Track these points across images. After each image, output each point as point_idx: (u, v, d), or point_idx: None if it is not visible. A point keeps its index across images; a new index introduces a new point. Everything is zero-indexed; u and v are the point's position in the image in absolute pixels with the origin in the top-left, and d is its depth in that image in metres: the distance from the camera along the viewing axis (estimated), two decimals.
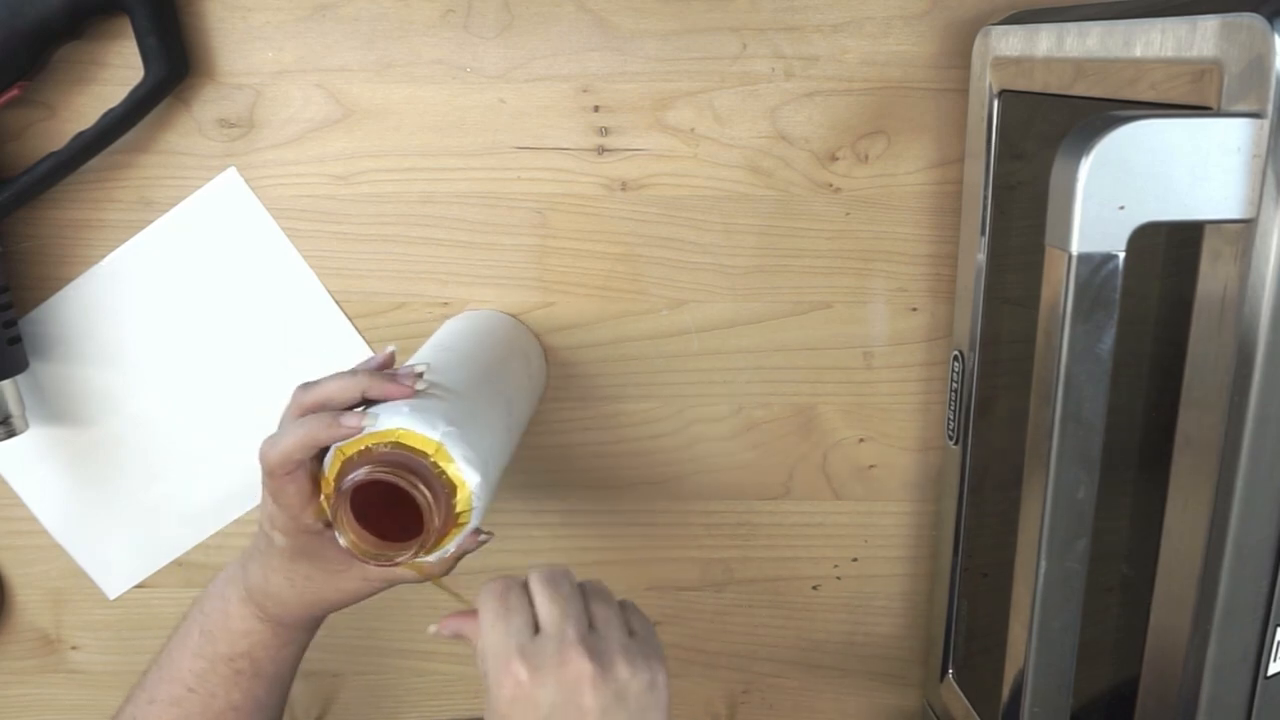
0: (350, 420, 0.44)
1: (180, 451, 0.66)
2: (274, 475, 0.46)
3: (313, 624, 0.54)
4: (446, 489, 0.45)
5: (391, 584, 0.51)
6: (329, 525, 0.46)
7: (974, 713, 0.61)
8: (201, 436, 0.66)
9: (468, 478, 0.45)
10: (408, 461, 0.44)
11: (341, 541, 0.45)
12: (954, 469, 0.61)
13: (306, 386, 0.47)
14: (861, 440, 0.65)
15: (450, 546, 0.46)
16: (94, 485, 0.67)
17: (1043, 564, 0.39)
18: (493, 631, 0.43)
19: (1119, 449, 0.40)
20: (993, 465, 0.59)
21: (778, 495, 0.67)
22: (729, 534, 0.68)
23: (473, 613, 0.46)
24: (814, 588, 0.69)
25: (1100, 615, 0.45)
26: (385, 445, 0.44)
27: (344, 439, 0.44)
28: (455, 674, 0.71)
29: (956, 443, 0.61)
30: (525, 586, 0.45)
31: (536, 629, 0.43)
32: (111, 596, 0.69)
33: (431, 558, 0.46)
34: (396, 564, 0.45)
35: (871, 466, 0.66)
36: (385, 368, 0.49)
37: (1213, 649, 0.39)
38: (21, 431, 0.62)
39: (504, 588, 0.45)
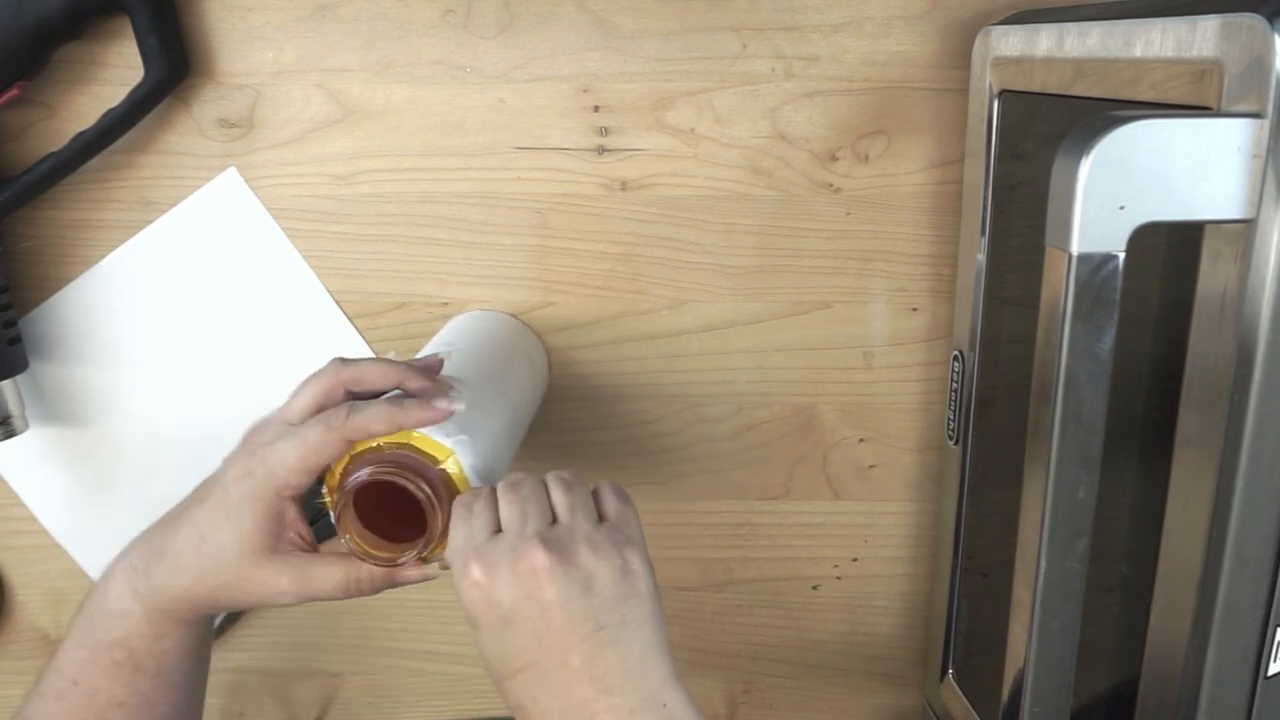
0: (442, 402, 0.45)
1: (180, 451, 0.66)
2: (329, 435, 0.44)
3: (193, 616, 0.48)
4: (451, 494, 0.45)
5: (300, 598, 0.47)
6: (296, 500, 0.46)
7: (974, 713, 0.61)
8: (201, 436, 0.65)
9: (474, 484, 0.45)
10: (414, 464, 0.44)
11: (344, 540, 0.45)
12: (954, 469, 0.61)
13: (345, 361, 0.47)
14: (861, 440, 0.65)
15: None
16: (94, 485, 0.66)
17: (1043, 564, 0.39)
18: (455, 538, 0.43)
19: (1119, 449, 0.40)
20: (993, 465, 0.59)
21: (778, 495, 0.67)
22: (729, 534, 0.68)
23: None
24: (814, 588, 0.69)
25: (1100, 615, 0.45)
26: (395, 446, 0.45)
27: (431, 423, 0.44)
28: (455, 674, 0.71)
29: (956, 443, 0.61)
30: (492, 493, 0.44)
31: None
32: None
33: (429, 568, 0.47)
34: (396, 565, 0.45)
35: (871, 466, 0.66)
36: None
37: (1213, 649, 0.39)
38: (21, 431, 0.62)
39: (471, 496, 0.44)
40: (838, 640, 0.70)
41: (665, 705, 0.41)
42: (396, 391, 0.47)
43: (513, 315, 0.63)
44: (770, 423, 0.65)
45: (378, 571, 0.46)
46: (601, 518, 0.44)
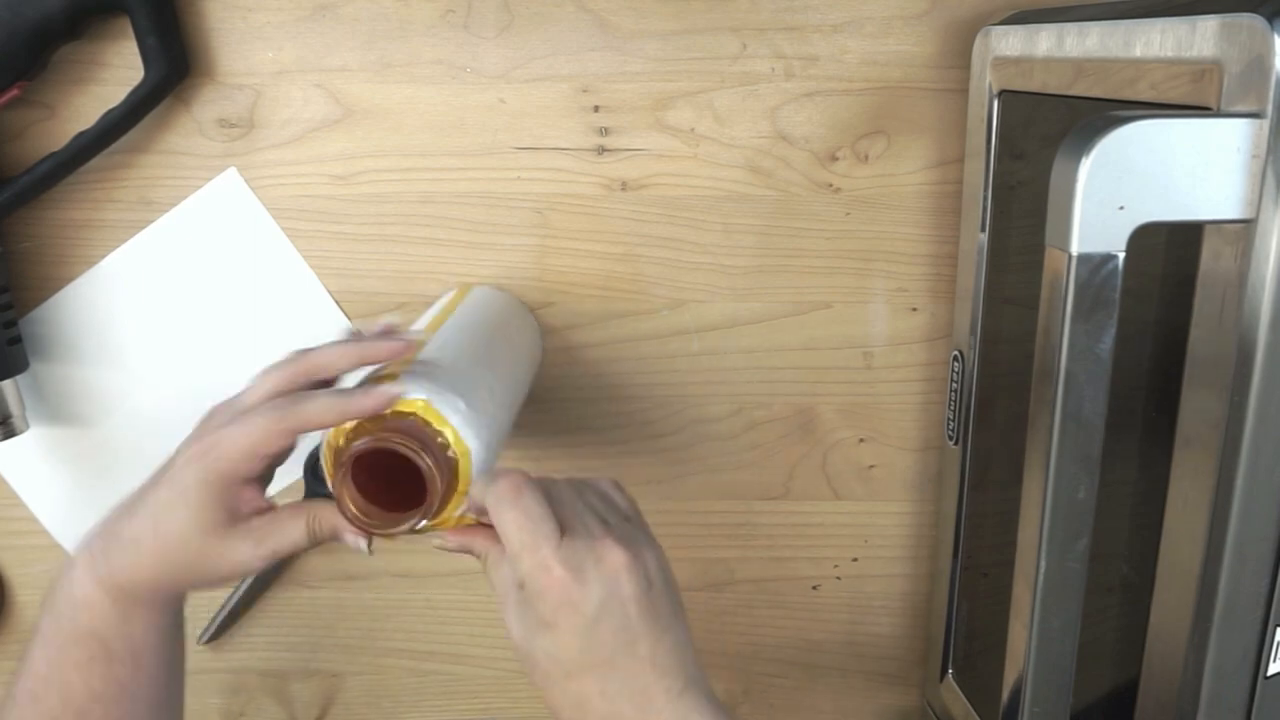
0: (393, 387, 0.44)
1: None
2: (274, 426, 0.44)
3: (157, 599, 0.47)
4: (450, 460, 0.45)
5: (268, 559, 0.47)
6: (252, 481, 0.46)
7: (974, 713, 0.61)
8: None
9: (472, 448, 0.45)
10: (415, 431, 0.44)
11: (343, 512, 0.45)
12: (954, 469, 0.61)
13: (303, 351, 0.46)
14: (861, 440, 0.65)
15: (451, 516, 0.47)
16: (94, 485, 0.66)
17: (1043, 564, 0.39)
18: (522, 544, 0.42)
19: (1119, 449, 0.40)
20: (992, 465, 0.59)
21: (778, 495, 0.67)
22: (729, 534, 0.68)
23: (478, 527, 0.46)
24: (814, 588, 0.69)
25: (1100, 615, 0.45)
26: (397, 416, 0.44)
27: (377, 410, 0.44)
28: (455, 674, 0.71)
29: (956, 443, 0.61)
30: (535, 487, 0.44)
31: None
32: None
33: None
34: (396, 534, 0.45)
35: (871, 466, 0.66)
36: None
37: (1212, 649, 0.39)
38: (21, 431, 0.62)
39: (514, 490, 0.43)
40: (838, 640, 0.70)
41: (698, 681, 0.44)
42: (358, 374, 0.47)
43: (501, 288, 0.62)
44: (770, 423, 0.65)
45: (328, 522, 0.46)
46: (625, 515, 0.47)
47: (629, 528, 0.45)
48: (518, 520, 0.43)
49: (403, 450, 0.43)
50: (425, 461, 0.43)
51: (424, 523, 0.45)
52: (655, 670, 0.43)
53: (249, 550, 0.46)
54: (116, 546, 0.46)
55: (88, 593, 0.46)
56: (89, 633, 0.46)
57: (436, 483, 0.44)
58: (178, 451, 0.46)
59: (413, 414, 0.45)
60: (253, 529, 0.46)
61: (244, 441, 0.44)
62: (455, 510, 0.46)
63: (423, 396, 0.45)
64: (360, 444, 0.43)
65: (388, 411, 0.44)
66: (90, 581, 0.46)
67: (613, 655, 0.42)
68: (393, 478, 0.45)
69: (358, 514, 0.45)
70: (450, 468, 0.45)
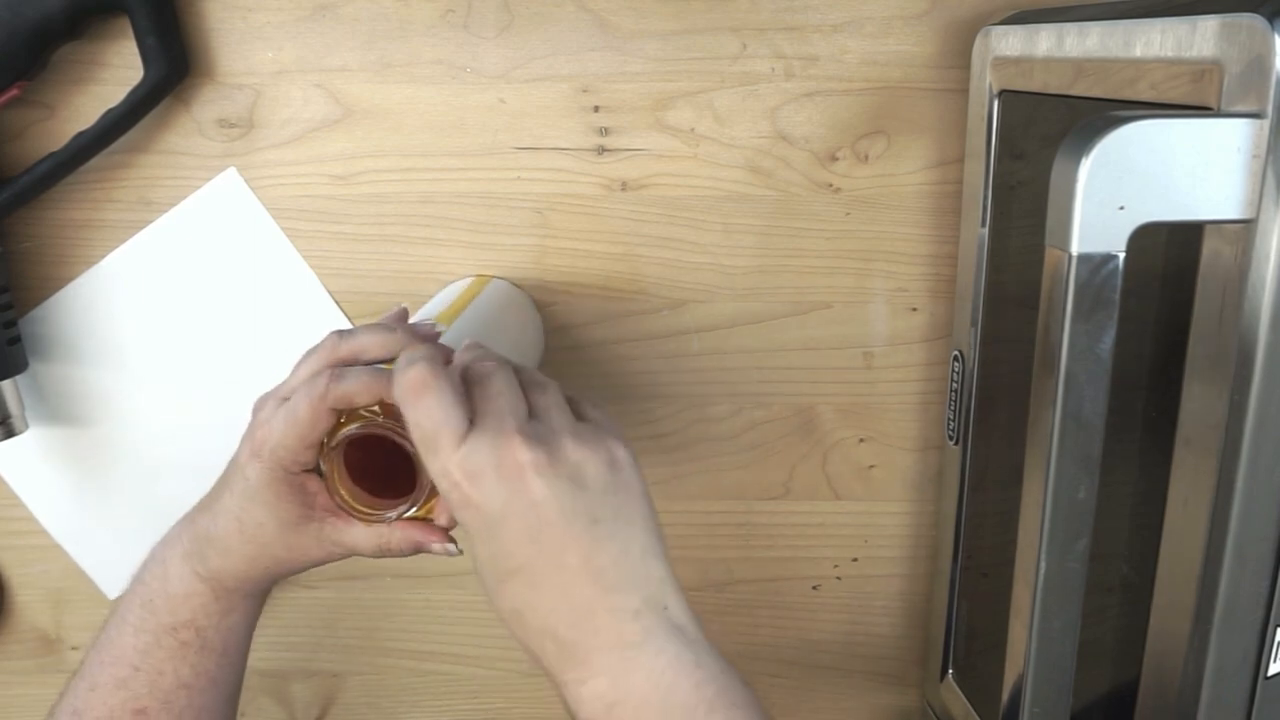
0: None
1: (180, 451, 0.66)
2: (318, 405, 0.43)
3: (256, 590, 0.50)
4: None
5: (346, 555, 0.48)
6: (313, 471, 0.46)
7: (974, 713, 0.61)
8: (201, 436, 0.65)
9: None
10: (400, 414, 0.44)
11: (334, 498, 0.45)
12: (954, 469, 0.61)
13: (342, 334, 0.46)
14: (861, 440, 0.65)
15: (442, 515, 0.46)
16: (94, 485, 0.66)
17: (1043, 564, 0.39)
18: (425, 446, 0.39)
19: (1119, 449, 0.40)
20: (993, 465, 0.59)
21: (778, 495, 0.67)
22: (729, 534, 0.68)
23: (425, 523, 0.45)
24: (814, 588, 0.69)
25: (1100, 615, 0.45)
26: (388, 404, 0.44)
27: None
28: (455, 674, 0.71)
29: (956, 443, 0.61)
30: (449, 374, 0.40)
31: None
32: (111, 596, 0.69)
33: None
34: (385, 521, 0.45)
35: (871, 466, 0.66)
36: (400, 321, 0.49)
37: (1213, 649, 0.39)
38: (21, 431, 0.62)
39: (419, 386, 0.39)
40: (838, 640, 0.70)
41: (667, 608, 0.39)
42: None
43: (505, 279, 0.62)
44: (770, 423, 0.65)
45: (405, 536, 0.46)
46: (580, 418, 0.42)
47: (574, 425, 0.40)
48: (418, 418, 0.39)
49: (397, 438, 0.43)
50: (414, 446, 0.43)
51: (411, 511, 0.44)
52: (596, 585, 0.38)
53: (326, 550, 0.47)
54: (210, 548, 0.48)
55: (190, 587, 0.48)
56: (187, 623, 0.48)
57: (427, 472, 0.43)
58: (238, 450, 0.47)
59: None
60: (326, 531, 0.47)
61: (292, 434, 0.44)
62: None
63: None
64: (355, 428, 0.43)
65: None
66: (190, 577, 0.48)
67: (530, 562, 0.38)
68: (383, 465, 0.45)
69: (346, 498, 0.45)
70: None
